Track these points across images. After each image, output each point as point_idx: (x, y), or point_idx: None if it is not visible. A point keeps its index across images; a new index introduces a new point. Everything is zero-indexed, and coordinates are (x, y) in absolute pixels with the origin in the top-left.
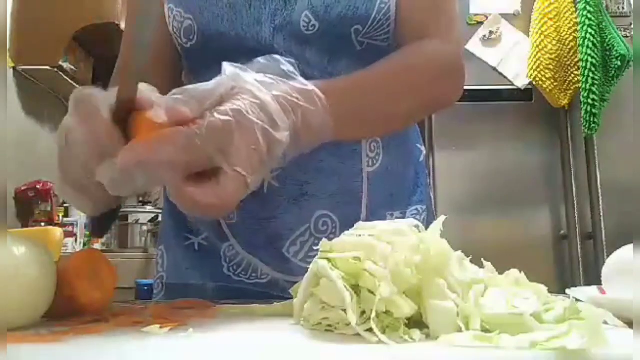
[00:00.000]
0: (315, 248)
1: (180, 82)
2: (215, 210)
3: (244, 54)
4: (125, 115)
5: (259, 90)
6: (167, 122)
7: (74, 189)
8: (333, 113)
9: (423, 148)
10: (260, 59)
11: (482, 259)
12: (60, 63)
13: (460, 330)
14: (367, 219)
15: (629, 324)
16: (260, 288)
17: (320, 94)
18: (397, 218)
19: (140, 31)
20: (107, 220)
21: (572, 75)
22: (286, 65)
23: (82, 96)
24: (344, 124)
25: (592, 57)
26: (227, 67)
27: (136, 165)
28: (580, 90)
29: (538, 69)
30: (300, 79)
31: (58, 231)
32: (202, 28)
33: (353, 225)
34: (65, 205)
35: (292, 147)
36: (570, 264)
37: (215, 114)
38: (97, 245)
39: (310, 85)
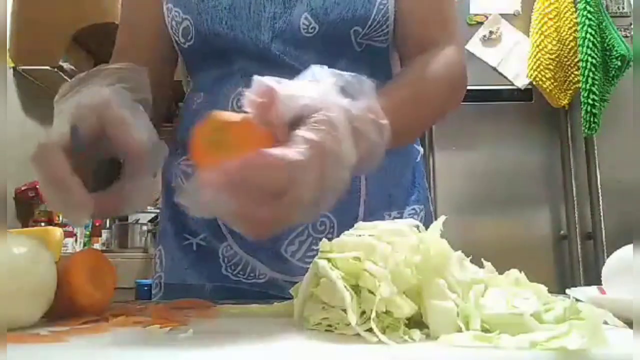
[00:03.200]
0: (313, 248)
1: (172, 80)
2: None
3: (242, 55)
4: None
5: (343, 125)
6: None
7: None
8: None
9: (420, 148)
10: (348, 76)
11: (482, 259)
12: (60, 63)
13: (460, 330)
14: (365, 219)
15: (629, 324)
16: (258, 288)
17: (387, 126)
18: (395, 218)
19: None
20: (106, 175)
21: (572, 75)
22: (368, 86)
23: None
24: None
25: (592, 57)
26: (318, 71)
27: (225, 187)
28: (580, 90)
29: (538, 69)
30: (377, 105)
31: (58, 231)
32: (200, 29)
33: (351, 225)
34: None
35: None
36: (570, 264)
37: (304, 148)
38: (97, 245)
39: (384, 119)
